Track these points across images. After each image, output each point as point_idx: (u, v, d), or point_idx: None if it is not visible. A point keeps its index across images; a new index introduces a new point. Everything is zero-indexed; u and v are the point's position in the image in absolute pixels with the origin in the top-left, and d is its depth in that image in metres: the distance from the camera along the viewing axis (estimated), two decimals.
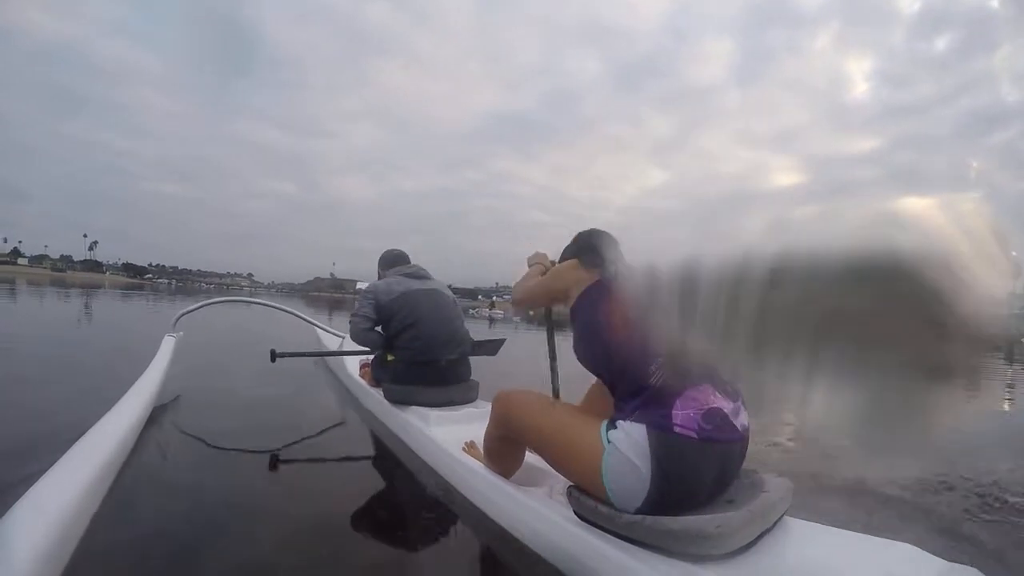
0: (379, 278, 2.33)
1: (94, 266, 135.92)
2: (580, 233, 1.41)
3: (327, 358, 3.44)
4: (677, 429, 0.93)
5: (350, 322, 2.19)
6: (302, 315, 4.39)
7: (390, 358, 2.15)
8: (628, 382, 1.03)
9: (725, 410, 0.97)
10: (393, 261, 2.37)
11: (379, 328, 2.19)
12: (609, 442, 0.99)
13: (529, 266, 1.57)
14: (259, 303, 4.55)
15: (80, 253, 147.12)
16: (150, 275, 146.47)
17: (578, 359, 1.18)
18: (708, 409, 0.95)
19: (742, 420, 1.00)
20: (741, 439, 1.00)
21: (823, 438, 2.21)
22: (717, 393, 0.98)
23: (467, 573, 1.19)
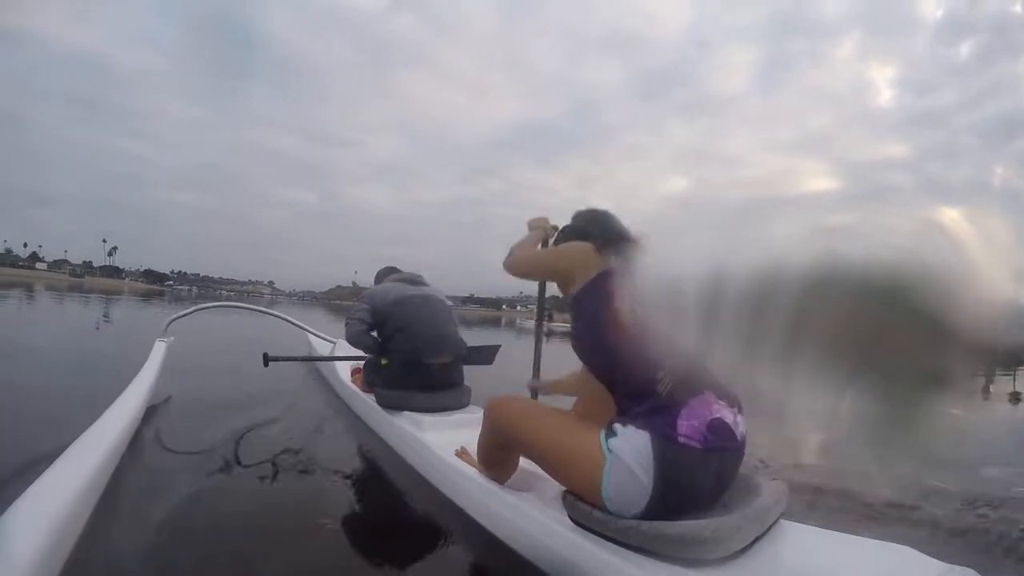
0: None
1: (113, 272, 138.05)
2: (585, 211, 1.28)
3: (319, 365, 3.47)
4: (682, 440, 0.92)
5: (346, 325, 2.21)
6: (293, 320, 4.35)
7: (383, 363, 2.16)
8: (632, 386, 1.00)
9: (727, 420, 0.97)
10: (387, 273, 2.47)
11: (374, 333, 2.22)
12: (610, 451, 0.97)
13: (530, 229, 1.50)
14: (249, 308, 4.58)
15: (100, 259, 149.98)
16: (170, 281, 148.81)
17: (577, 355, 1.12)
18: (712, 419, 0.95)
19: (741, 429, 1.00)
20: (740, 447, 1.01)
21: (838, 448, 2.09)
22: (719, 401, 0.98)
23: None
